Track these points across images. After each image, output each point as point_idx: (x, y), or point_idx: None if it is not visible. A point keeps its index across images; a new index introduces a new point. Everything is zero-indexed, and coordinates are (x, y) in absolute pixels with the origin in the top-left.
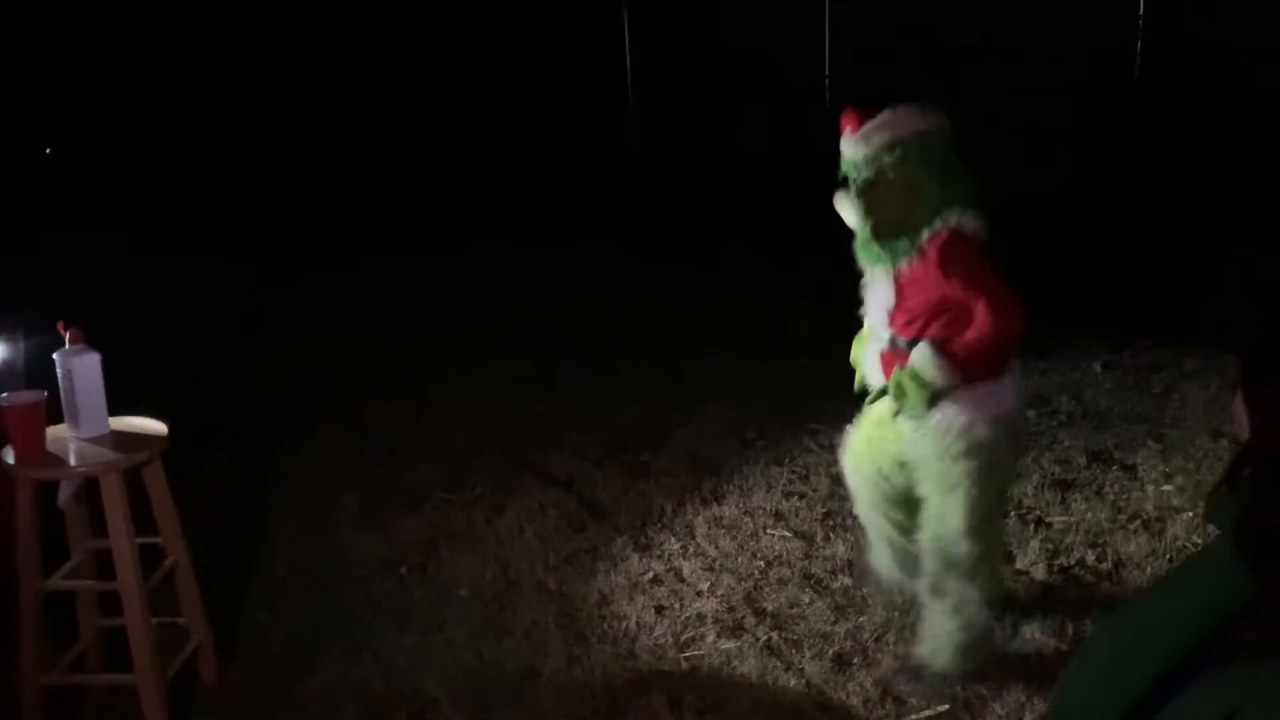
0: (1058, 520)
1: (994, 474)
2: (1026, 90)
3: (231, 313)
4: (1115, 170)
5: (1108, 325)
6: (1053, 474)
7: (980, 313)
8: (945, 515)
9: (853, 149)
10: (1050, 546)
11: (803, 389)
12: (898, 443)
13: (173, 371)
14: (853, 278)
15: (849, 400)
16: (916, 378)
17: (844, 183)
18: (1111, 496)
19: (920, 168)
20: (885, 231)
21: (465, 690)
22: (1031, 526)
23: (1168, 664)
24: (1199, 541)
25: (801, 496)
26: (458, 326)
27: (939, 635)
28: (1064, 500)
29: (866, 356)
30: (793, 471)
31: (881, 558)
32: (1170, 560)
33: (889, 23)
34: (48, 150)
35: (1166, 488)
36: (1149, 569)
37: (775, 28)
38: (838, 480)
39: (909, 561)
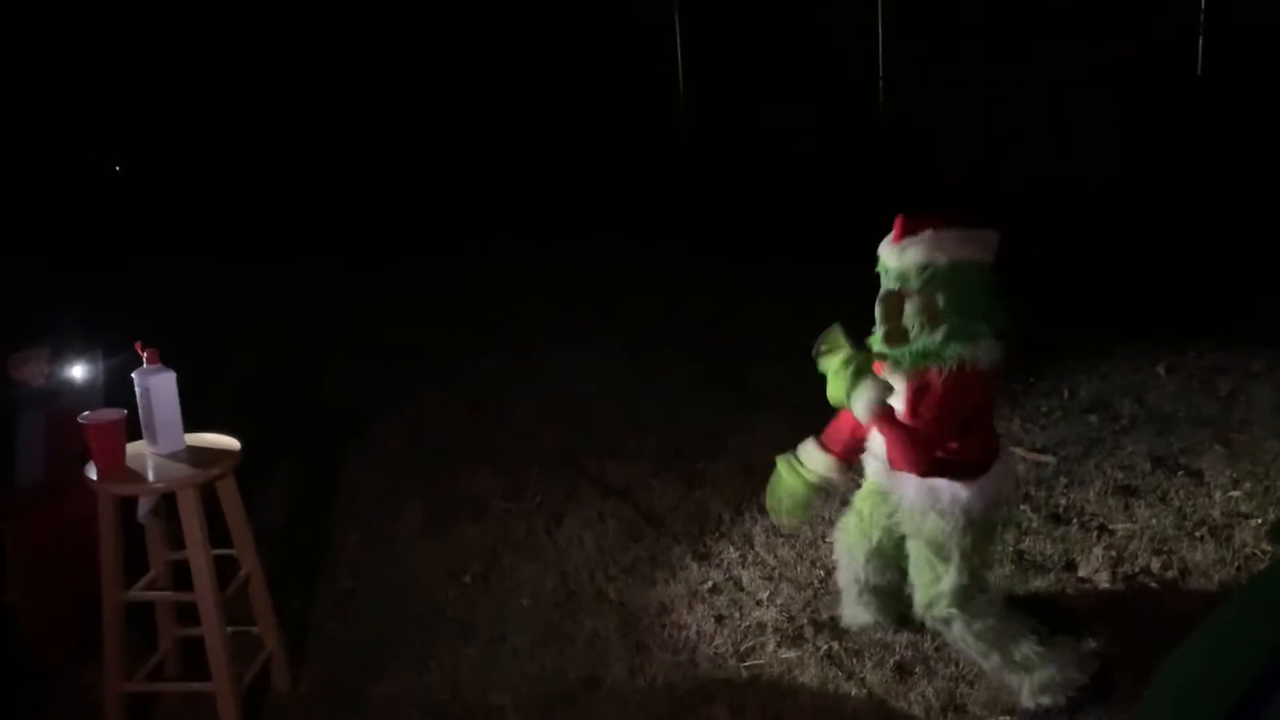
0: (1121, 527)
1: (989, 543)
2: (1088, 84)
3: (288, 322)
4: (1179, 167)
5: (1171, 326)
6: (1115, 480)
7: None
8: (938, 579)
9: (886, 257)
10: (1114, 554)
11: None
12: (890, 518)
13: (235, 383)
14: None
15: None
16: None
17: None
18: (1177, 503)
19: (944, 294)
20: (894, 340)
21: (529, 699)
22: (1094, 534)
23: (1247, 682)
24: (1268, 549)
25: None
26: (510, 331)
27: (1019, 684)
28: (1128, 507)
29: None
30: (851, 480)
31: (861, 610)
32: (1239, 569)
33: (944, 13)
34: (116, 168)
35: (1234, 494)
36: (1216, 577)
37: (828, 21)
38: None
39: (888, 609)
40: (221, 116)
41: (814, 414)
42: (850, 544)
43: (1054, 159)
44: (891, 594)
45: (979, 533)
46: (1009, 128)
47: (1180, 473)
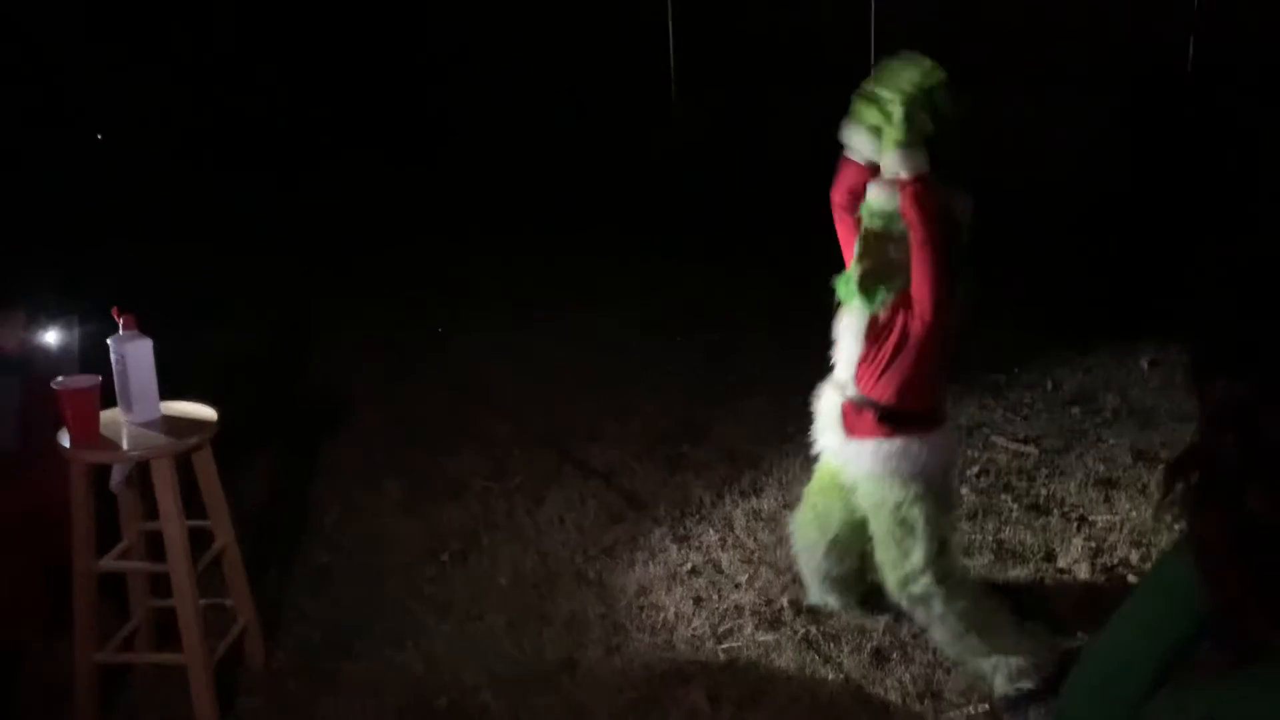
0: (1101, 519)
1: (949, 508)
2: (1075, 79)
3: (273, 303)
4: (1166, 163)
5: (1155, 322)
6: (1097, 472)
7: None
8: (908, 554)
9: (874, 199)
10: (1093, 545)
11: None
12: (847, 502)
13: (218, 360)
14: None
15: None
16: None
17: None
18: (1157, 495)
19: None
20: (871, 278)
21: (505, 678)
22: (1075, 525)
23: (1150, 678)
24: None
25: None
26: (495, 315)
27: (991, 670)
28: (1108, 499)
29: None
30: None
31: (825, 596)
32: None
33: (933, 10)
34: (99, 136)
35: None
36: None
37: (820, 11)
38: None
39: (850, 592)
40: (203, 99)
41: (797, 399)
42: (807, 538)
43: (1042, 155)
44: (852, 580)
45: (938, 497)
46: (997, 124)
47: (1161, 466)
